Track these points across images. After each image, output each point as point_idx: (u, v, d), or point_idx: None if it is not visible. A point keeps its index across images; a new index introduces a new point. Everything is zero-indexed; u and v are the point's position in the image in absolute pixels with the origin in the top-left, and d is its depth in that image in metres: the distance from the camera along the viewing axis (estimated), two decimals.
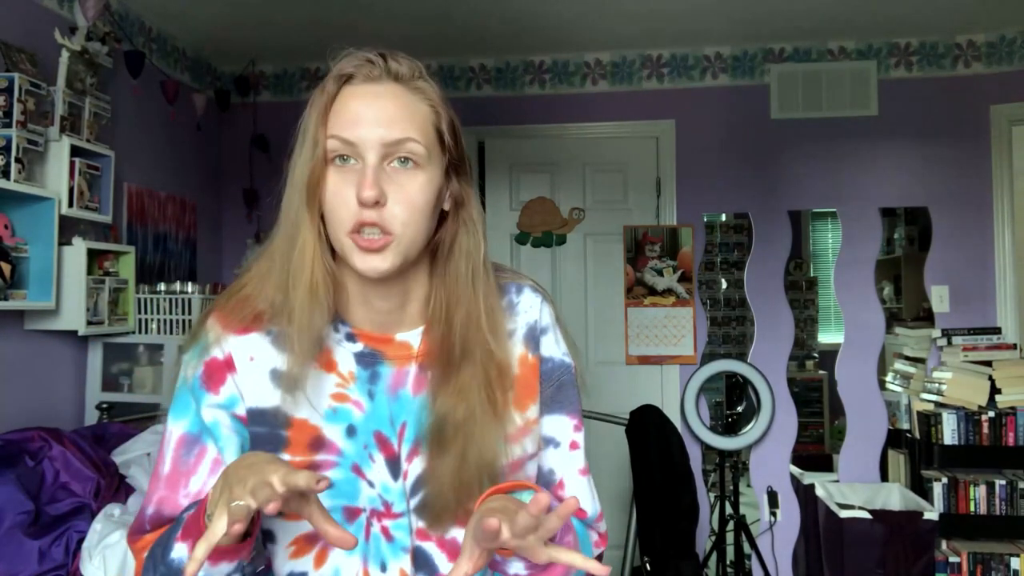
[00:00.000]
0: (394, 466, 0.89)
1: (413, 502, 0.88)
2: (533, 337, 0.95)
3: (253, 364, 0.88)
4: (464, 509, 0.85)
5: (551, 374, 0.96)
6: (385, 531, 0.88)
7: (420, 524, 0.88)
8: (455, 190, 0.91)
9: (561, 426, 0.97)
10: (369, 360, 0.90)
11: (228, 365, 0.88)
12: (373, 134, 0.83)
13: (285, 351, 0.87)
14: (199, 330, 0.91)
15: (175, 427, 0.89)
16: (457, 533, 0.88)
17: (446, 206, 0.91)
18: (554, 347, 0.97)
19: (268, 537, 0.88)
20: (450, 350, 0.88)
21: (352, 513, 0.87)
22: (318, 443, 0.87)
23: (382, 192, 0.82)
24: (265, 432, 0.87)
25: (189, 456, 0.87)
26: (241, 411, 0.88)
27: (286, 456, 0.86)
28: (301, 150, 0.86)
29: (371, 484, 0.88)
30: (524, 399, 0.93)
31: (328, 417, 0.88)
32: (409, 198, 0.84)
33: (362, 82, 0.86)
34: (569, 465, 0.97)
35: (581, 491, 0.97)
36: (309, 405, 0.87)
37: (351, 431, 0.88)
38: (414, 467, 0.89)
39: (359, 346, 0.90)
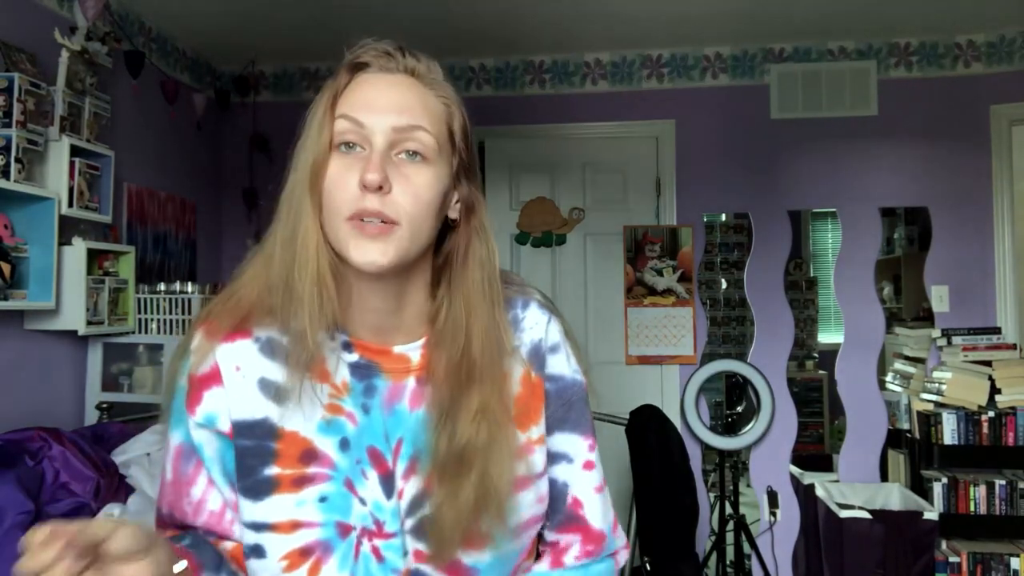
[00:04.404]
0: (388, 484, 0.84)
1: (409, 523, 0.84)
2: (538, 356, 0.91)
3: (240, 374, 0.84)
4: (471, 531, 0.83)
5: (561, 393, 0.92)
6: (376, 551, 0.83)
7: (419, 546, 0.84)
8: (465, 196, 0.87)
9: (574, 445, 0.93)
10: (365, 372, 0.86)
11: (213, 378, 0.84)
12: (383, 119, 0.80)
13: (275, 358, 0.83)
14: (187, 341, 0.88)
15: (172, 436, 0.87)
16: (462, 555, 0.84)
17: (452, 213, 0.87)
18: (564, 365, 0.93)
19: (256, 552, 0.83)
20: (469, 367, 0.84)
21: (344, 529, 0.82)
22: (309, 456, 0.83)
23: (387, 179, 0.78)
24: (253, 444, 0.83)
25: (187, 467, 0.86)
26: (224, 426, 0.84)
27: (276, 469, 0.82)
28: (307, 137, 0.82)
29: (363, 501, 0.83)
30: (525, 419, 0.89)
31: (321, 429, 0.84)
32: (415, 190, 0.80)
33: (377, 71, 0.83)
34: (585, 485, 0.94)
35: (596, 509, 0.95)
36: (301, 416, 0.83)
37: (344, 444, 0.84)
38: (410, 486, 0.84)
39: (355, 356, 0.86)
